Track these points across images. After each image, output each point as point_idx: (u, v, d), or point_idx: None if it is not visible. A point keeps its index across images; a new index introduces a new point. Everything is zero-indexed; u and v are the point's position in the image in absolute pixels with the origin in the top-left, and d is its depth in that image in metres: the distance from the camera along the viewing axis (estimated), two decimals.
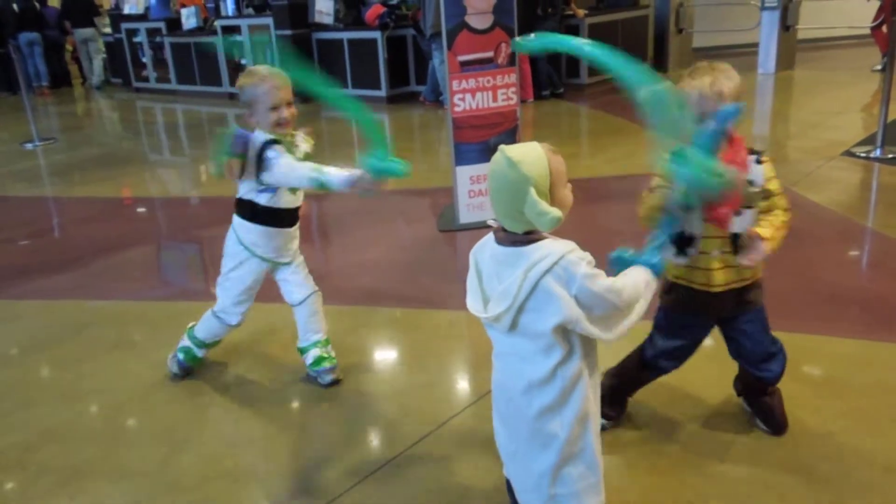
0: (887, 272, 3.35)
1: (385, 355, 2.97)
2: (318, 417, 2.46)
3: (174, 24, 11.25)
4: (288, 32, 9.25)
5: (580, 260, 1.50)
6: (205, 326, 2.68)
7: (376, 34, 8.83)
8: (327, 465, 2.18)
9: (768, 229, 1.91)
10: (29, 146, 7.73)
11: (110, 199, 5.66)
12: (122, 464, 2.27)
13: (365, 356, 2.93)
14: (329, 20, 9.40)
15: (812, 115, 6.92)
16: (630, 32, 9.91)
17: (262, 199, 2.42)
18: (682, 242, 1.96)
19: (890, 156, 5.11)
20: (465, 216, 4.23)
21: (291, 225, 2.54)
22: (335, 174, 2.24)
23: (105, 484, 2.18)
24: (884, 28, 8.77)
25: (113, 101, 11.83)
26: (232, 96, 10.41)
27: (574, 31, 9.06)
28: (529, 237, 1.53)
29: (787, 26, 9.41)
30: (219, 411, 2.53)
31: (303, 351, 2.70)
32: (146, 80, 11.97)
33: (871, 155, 5.18)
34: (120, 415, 2.56)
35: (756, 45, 9.61)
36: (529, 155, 1.51)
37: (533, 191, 1.48)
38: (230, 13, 10.77)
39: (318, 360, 2.65)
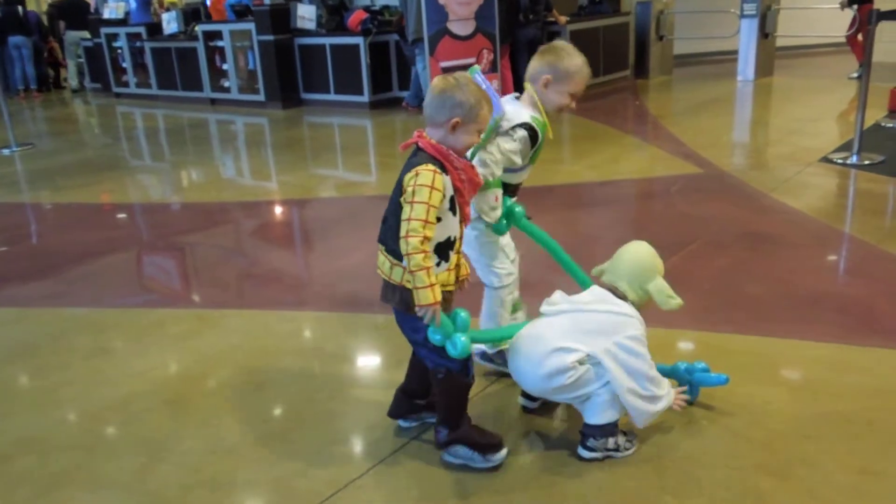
0: (864, 277, 3.40)
1: (367, 361, 2.97)
2: (298, 425, 2.44)
3: (155, 30, 11.19)
4: (270, 38, 9.23)
5: (640, 328, 2.07)
6: None
7: (359, 40, 8.83)
8: (308, 474, 2.17)
9: None
10: (6, 152, 7.64)
11: (89, 205, 5.61)
12: (101, 474, 2.25)
13: (347, 362, 2.93)
14: (311, 26, 9.39)
15: (790, 121, 7.01)
16: (611, 39, 9.99)
17: None
18: None
19: (866, 162, 5.18)
20: None
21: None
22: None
23: (83, 494, 2.16)
24: (859, 37, 8.91)
25: (92, 105, 11.73)
26: (213, 101, 10.37)
27: (556, 37, 9.12)
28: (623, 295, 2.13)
29: (765, 34, 9.54)
30: (198, 420, 2.51)
31: None
32: (126, 84, 11.89)
33: (848, 161, 5.26)
34: (98, 424, 2.54)
35: (735, 52, 9.72)
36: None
37: (660, 278, 2.12)
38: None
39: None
